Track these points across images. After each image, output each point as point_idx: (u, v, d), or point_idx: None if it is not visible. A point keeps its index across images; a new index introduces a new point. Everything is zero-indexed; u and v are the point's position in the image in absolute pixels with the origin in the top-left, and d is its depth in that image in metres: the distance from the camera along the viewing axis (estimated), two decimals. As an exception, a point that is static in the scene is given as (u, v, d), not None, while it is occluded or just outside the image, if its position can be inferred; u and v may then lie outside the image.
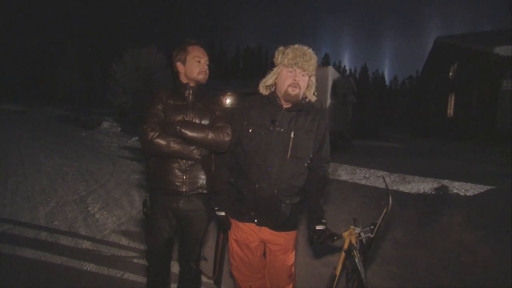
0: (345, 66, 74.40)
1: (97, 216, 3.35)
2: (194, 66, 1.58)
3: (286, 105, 1.45)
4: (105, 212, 3.45)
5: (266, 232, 1.50)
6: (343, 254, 1.45)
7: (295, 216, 1.53)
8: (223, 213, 1.55)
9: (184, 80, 1.61)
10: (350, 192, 4.57)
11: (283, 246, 1.52)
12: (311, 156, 1.47)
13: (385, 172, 5.81)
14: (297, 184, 1.47)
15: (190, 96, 1.60)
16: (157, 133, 1.46)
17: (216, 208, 1.56)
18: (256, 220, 1.49)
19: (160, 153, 1.48)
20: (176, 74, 1.64)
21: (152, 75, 16.92)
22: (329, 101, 7.08)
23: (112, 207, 3.65)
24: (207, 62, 1.63)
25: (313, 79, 1.48)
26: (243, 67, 54.85)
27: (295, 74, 1.41)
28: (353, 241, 1.41)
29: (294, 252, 1.58)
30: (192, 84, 1.60)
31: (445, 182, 5.02)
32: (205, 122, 1.58)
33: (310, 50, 1.42)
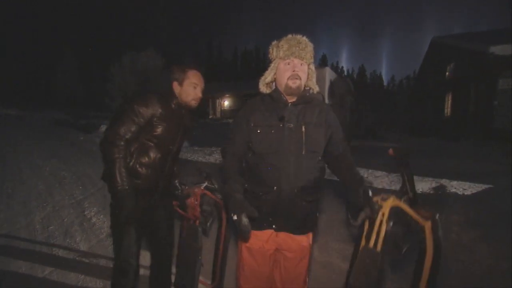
0: (342, 67, 74.62)
1: (93, 220, 3.33)
2: (190, 91, 1.61)
3: (291, 100, 1.39)
4: (101, 216, 3.43)
5: (283, 237, 1.43)
6: (382, 225, 1.26)
7: (314, 215, 1.47)
8: (245, 218, 1.23)
9: (179, 100, 1.64)
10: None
11: (299, 252, 1.46)
12: (324, 150, 1.44)
13: (384, 172, 5.81)
14: (315, 179, 1.41)
15: (180, 113, 1.64)
16: (121, 155, 1.44)
17: (235, 214, 1.23)
18: (274, 226, 1.41)
19: (105, 158, 1.47)
20: (170, 86, 1.64)
21: (150, 78, 16.94)
22: (326, 102, 7.10)
23: (108, 211, 3.62)
24: (202, 89, 1.66)
25: (312, 67, 1.43)
26: (240, 69, 54.94)
27: (293, 65, 1.34)
28: (403, 205, 1.29)
29: (309, 257, 1.52)
30: (183, 104, 1.64)
31: (443, 181, 5.02)
32: (181, 141, 1.69)
33: (304, 38, 1.37)
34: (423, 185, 4.83)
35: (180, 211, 1.70)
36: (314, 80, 1.46)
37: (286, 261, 1.47)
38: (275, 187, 1.35)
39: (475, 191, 4.52)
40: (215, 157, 6.93)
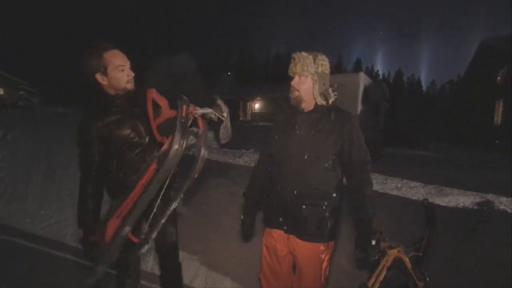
0: (378, 71, 71.33)
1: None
2: (120, 76, 1.43)
3: (308, 109, 1.48)
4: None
5: (292, 241, 1.49)
6: (383, 270, 1.44)
7: (323, 225, 1.45)
8: (247, 219, 1.65)
9: (111, 91, 1.46)
10: (379, 203, 4.37)
11: (309, 260, 1.46)
12: (333, 158, 1.43)
13: (419, 183, 5.47)
14: (320, 186, 1.43)
15: (126, 104, 1.48)
16: (93, 192, 1.46)
17: (242, 215, 1.66)
18: (285, 227, 1.50)
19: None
20: (96, 84, 1.45)
21: (183, 80, 17.78)
22: (359, 108, 6.88)
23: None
24: (130, 66, 1.47)
25: (315, 77, 1.41)
26: (272, 72, 55.08)
27: (293, 80, 1.46)
28: (405, 259, 1.45)
29: (324, 270, 1.50)
30: (120, 93, 1.47)
31: (490, 196, 4.60)
32: (147, 127, 1.42)
33: (296, 54, 1.44)
34: (465, 199, 4.47)
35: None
36: (319, 90, 1.43)
37: (299, 269, 1.52)
38: (278, 187, 1.49)
39: (529, 210, 4.08)
40: (245, 159, 7.03)
